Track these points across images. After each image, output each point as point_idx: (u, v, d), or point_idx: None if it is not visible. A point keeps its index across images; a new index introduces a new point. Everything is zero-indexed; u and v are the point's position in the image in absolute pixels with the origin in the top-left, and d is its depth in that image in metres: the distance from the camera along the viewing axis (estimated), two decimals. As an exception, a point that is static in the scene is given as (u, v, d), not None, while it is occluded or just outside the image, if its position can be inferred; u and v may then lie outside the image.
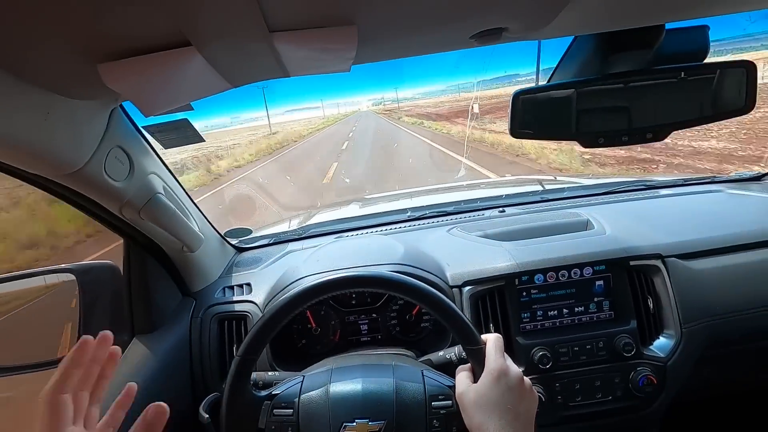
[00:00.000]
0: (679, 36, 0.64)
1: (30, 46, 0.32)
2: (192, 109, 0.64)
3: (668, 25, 0.63)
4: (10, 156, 0.49)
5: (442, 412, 0.71)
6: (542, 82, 0.71)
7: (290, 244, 1.31)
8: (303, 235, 1.37)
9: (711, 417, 1.25)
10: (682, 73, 0.61)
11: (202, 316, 1.02)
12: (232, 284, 1.10)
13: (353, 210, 1.80)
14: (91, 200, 0.68)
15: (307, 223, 1.59)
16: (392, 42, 0.46)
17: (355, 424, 0.70)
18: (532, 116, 0.68)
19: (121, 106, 0.65)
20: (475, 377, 0.71)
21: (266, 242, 1.35)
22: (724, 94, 0.62)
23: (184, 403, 0.95)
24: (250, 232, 1.36)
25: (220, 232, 1.20)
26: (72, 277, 1.00)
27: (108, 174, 0.63)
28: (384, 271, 0.77)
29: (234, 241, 1.31)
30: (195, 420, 0.90)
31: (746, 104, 0.62)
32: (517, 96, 0.67)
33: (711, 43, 0.65)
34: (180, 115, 0.67)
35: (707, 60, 0.64)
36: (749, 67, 0.61)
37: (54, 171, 0.56)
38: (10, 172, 0.54)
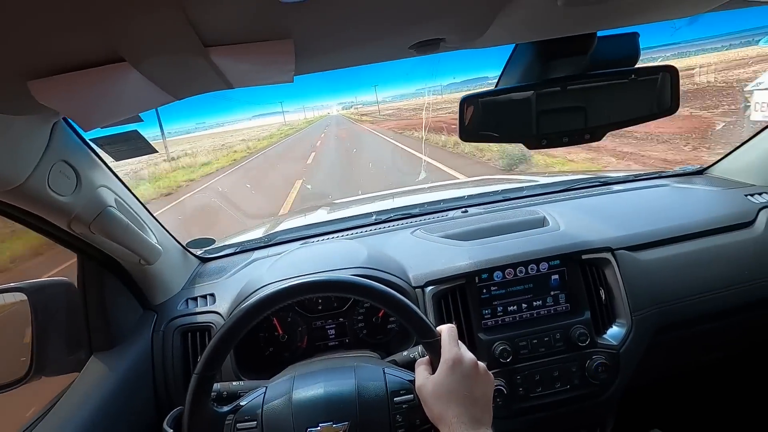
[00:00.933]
0: (611, 42, 0.68)
1: None
2: (141, 120, 0.64)
3: (601, 33, 0.67)
4: None
5: (404, 406, 0.73)
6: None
7: (255, 252, 1.30)
8: (269, 243, 1.36)
9: (663, 398, 1.32)
10: (616, 77, 0.65)
11: (164, 330, 1.00)
12: (195, 295, 1.08)
13: (321, 215, 1.80)
14: (37, 216, 0.66)
15: (274, 230, 1.57)
16: (331, 54, 0.47)
17: (319, 428, 0.71)
18: (478, 121, 0.71)
19: (65, 119, 0.64)
20: (433, 369, 0.73)
21: (231, 251, 1.33)
22: (653, 96, 0.67)
23: (148, 417, 0.93)
24: (213, 241, 1.34)
25: (181, 243, 1.18)
26: (23, 296, 0.96)
27: (52, 189, 0.61)
28: (340, 274, 0.78)
29: (198, 252, 1.29)
30: None
31: (671, 105, 0.66)
32: (464, 101, 0.70)
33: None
34: (129, 127, 0.66)
35: (637, 65, 0.69)
36: (672, 71, 0.66)
37: None
38: None
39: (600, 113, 0.67)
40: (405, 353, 0.87)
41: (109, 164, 0.78)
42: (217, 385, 0.79)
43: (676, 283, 1.06)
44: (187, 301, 1.07)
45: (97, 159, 0.74)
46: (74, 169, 0.66)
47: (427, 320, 0.74)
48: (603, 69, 0.69)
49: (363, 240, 1.23)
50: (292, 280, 0.74)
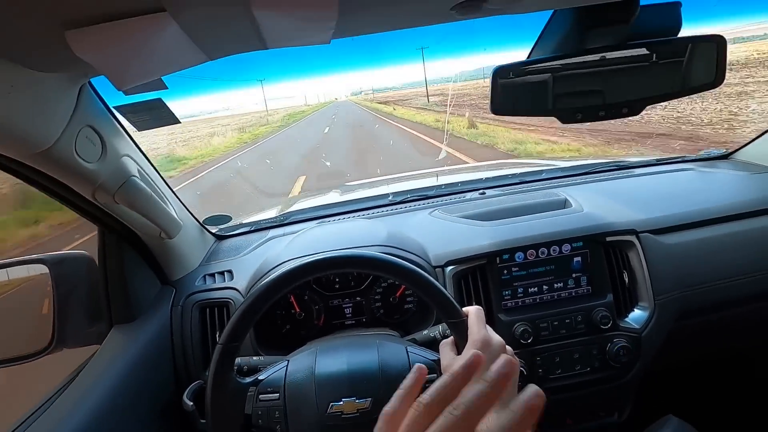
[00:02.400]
0: (653, 12, 0.65)
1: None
2: (166, 87, 0.62)
3: (642, 1, 0.64)
4: None
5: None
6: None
7: (271, 230, 1.30)
8: (284, 222, 1.35)
9: (680, 384, 1.31)
10: (656, 48, 0.63)
11: (182, 305, 1.00)
12: (213, 272, 1.08)
13: (334, 197, 1.79)
14: (62, 185, 0.65)
15: (288, 210, 1.57)
16: (372, 13, 0.45)
17: (342, 402, 0.71)
18: (511, 93, 0.68)
19: (91, 84, 0.62)
20: (459, 350, 0.72)
21: (246, 230, 1.33)
22: (696, 69, 0.64)
23: (167, 391, 0.94)
24: (230, 218, 1.34)
25: (198, 219, 1.17)
26: (45, 268, 0.97)
27: (79, 154, 0.60)
28: (365, 251, 0.77)
29: (213, 229, 1.29)
30: (179, 408, 0.89)
31: (716, 79, 0.64)
32: (497, 72, 0.67)
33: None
34: (153, 95, 0.64)
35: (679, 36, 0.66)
36: (720, 42, 0.63)
37: (21, 151, 0.53)
38: None
39: (639, 86, 0.65)
40: (425, 332, 0.86)
41: (132, 135, 0.76)
42: (237, 359, 0.79)
43: (699, 267, 1.04)
44: (204, 277, 1.07)
45: (121, 128, 0.73)
46: (100, 136, 0.65)
47: (454, 300, 0.73)
48: (642, 40, 0.66)
49: (381, 219, 1.22)
50: (317, 255, 0.73)
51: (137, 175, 0.75)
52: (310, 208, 1.52)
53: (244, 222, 1.41)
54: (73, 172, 0.62)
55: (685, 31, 0.67)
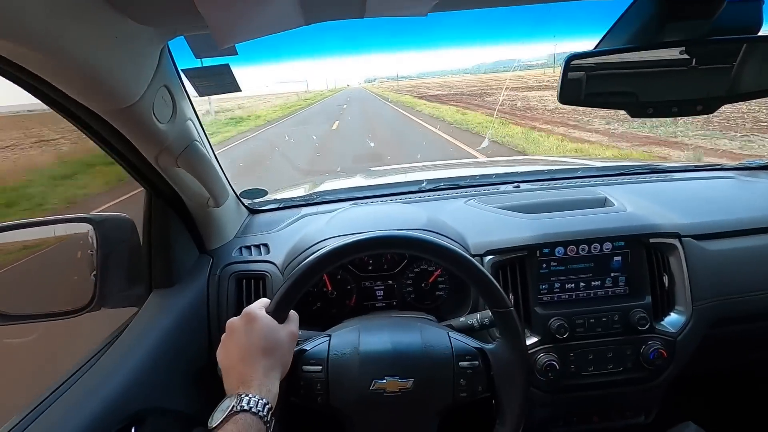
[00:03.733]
0: (737, 8, 0.63)
1: None
2: (236, 53, 0.62)
3: (728, -3, 0.62)
4: (70, 81, 0.46)
5: (468, 371, 0.73)
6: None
7: (304, 208, 1.30)
8: (316, 201, 1.35)
9: (707, 392, 1.30)
10: (739, 46, 0.61)
11: (220, 274, 1.01)
12: (249, 244, 1.09)
13: (360, 181, 1.79)
14: (128, 145, 0.66)
15: (317, 189, 1.57)
16: None
17: (385, 381, 0.71)
18: (581, 83, 0.67)
19: (167, 46, 0.62)
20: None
21: (278, 206, 1.34)
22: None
23: (202, 357, 0.95)
24: (266, 193, 1.35)
25: (236, 191, 1.18)
26: (87, 227, 0.98)
27: (155, 114, 0.61)
28: (415, 233, 0.77)
29: (247, 202, 1.29)
30: (212, 374, 0.91)
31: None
32: (569, 61, 0.66)
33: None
34: (221, 60, 0.64)
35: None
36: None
37: (108, 104, 0.53)
38: (59, 105, 0.51)
39: (716, 83, 0.63)
40: (462, 319, 0.87)
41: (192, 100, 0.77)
42: None
43: (739, 276, 1.03)
44: (241, 249, 1.08)
45: (185, 92, 0.73)
46: (172, 98, 0.65)
47: (502, 290, 0.73)
48: (722, 35, 0.64)
49: (418, 204, 1.21)
50: (368, 233, 0.73)
51: (198, 140, 0.76)
52: (340, 189, 1.52)
53: (273, 198, 1.41)
54: (146, 131, 0.63)
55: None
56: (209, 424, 0.57)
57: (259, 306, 0.70)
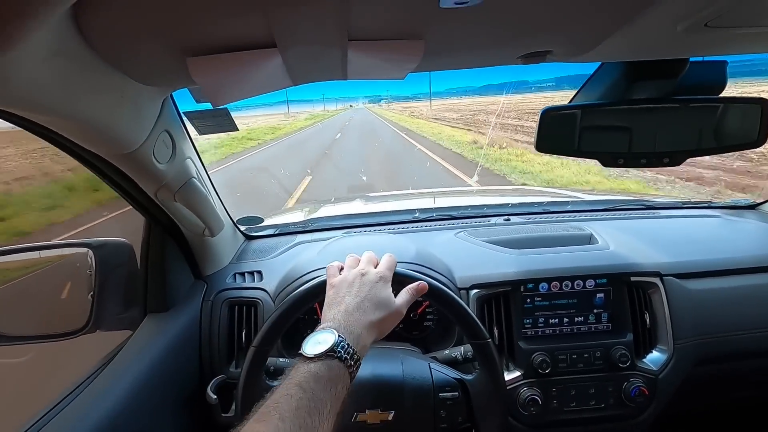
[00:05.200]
0: (701, 69, 0.68)
1: (132, 43, 0.35)
2: (234, 99, 0.66)
3: (692, 58, 0.67)
4: (79, 132, 0.51)
5: (448, 402, 0.75)
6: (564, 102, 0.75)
7: (298, 236, 1.33)
8: (310, 228, 1.39)
9: (694, 428, 1.30)
10: (701, 105, 0.65)
11: (213, 300, 1.04)
12: (243, 271, 1.12)
13: (358, 206, 1.83)
14: (130, 181, 0.70)
15: (313, 216, 1.61)
16: (447, 56, 0.49)
17: (366, 413, 0.73)
18: (557, 134, 0.71)
19: (170, 94, 0.67)
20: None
21: (273, 232, 1.37)
22: (740, 127, 0.66)
23: (191, 382, 0.97)
24: (262, 220, 1.38)
25: (233, 218, 1.22)
26: (85, 251, 1.01)
27: (155, 156, 0.65)
28: (400, 268, 0.80)
29: (242, 228, 1.33)
30: (201, 400, 0.93)
31: (759, 138, 0.66)
32: (545, 113, 0.70)
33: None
34: (221, 104, 0.69)
35: (725, 94, 0.69)
36: (765, 105, 0.65)
37: (112, 150, 0.58)
38: (67, 149, 0.56)
39: (681, 138, 0.67)
40: (446, 352, 0.89)
41: (192, 139, 0.81)
42: None
43: (721, 316, 1.05)
44: (235, 275, 1.11)
45: (186, 132, 0.78)
46: (172, 140, 0.70)
47: (479, 322, 0.76)
48: (687, 95, 0.69)
49: (408, 236, 1.25)
50: None
51: (196, 176, 0.80)
52: (335, 216, 1.56)
53: (269, 224, 1.45)
54: (147, 171, 0.67)
55: (729, 89, 0.70)
56: (302, 348, 0.56)
57: (375, 271, 0.72)
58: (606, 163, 0.70)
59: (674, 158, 0.67)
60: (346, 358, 0.55)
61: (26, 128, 0.49)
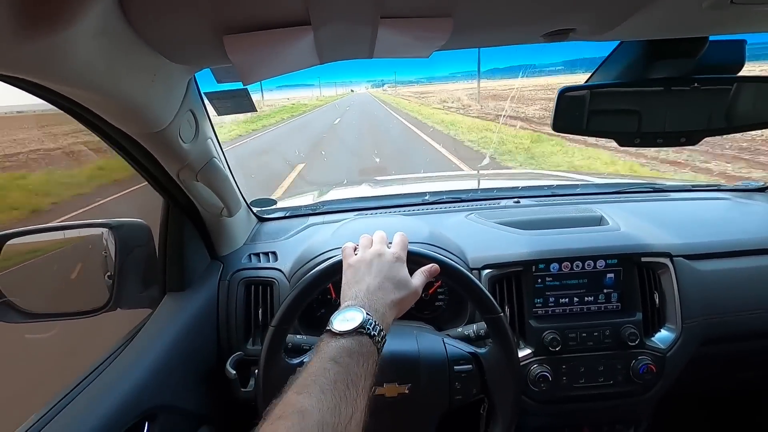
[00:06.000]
0: (719, 48, 0.67)
1: (170, 21, 0.36)
2: (254, 80, 0.67)
3: (711, 37, 0.67)
4: (113, 110, 0.52)
5: (463, 375, 0.78)
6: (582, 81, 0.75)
7: (310, 218, 1.35)
8: (322, 210, 1.40)
9: (699, 409, 1.33)
10: (721, 83, 0.65)
11: (229, 280, 1.06)
12: (258, 252, 1.14)
13: (366, 190, 1.84)
14: (154, 161, 0.71)
15: (323, 198, 1.62)
16: (472, 34, 0.49)
17: (384, 386, 0.76)
18: (574, 113, 0.72)
19: (193, 75, 0.68)
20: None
21: (286, 214, 1.39)
22: (758, 107, 0.66)
23: (210, 359, 1.00)
24: (275, 202, 1.40)
25: (247, 200, 1.23)
26: (101, 232, 1.04)
27: (181, 136, 0.66)
28: (413, 247, 0.82)
29: (255, 210, 1.35)
30: (220, 376, 0.96)
31: (776, 117, 0.66)
32: (562, 93, 0.71)
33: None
34: (240, 84, 0.70)
35: (742, 73, 0.69)
36: (784, 83, 0.65)
37: (141, 129, 0.59)
38: (97, 128, 0.57)
39: (699, 117, 0.68)
40: (459, 329, 0.91)
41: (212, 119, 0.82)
42: None
43: (729, 296, 1.06)
44: (250, 256, 1.13)
45: (206, 112, 0.78)
46: (196, 120, 0.71)
47: (491, 297, 0.78)
48: (706, 74, 0.69)
49: (420, 217, 1.26)
50: None
51: (216, 156, 0.81)
52: (346, 199, 1.57)
53: (280, 206, 1.47)
54: (172, 151, 0.69)
55: (754, 70, 0.70)
56: (331, 325, 0.57)
57: (391, 251, 0.73)
58: (622, 143, 0.71)
59: (691, 138, 0.68)
60: (374, 335, 0.57)
61: (63, 108, 0.50)
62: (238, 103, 0.74)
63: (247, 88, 0.71)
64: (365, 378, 0.52)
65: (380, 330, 0.59)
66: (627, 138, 0.70)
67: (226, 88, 0.70)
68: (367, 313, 0.59)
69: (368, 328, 0.57)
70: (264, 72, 0.47)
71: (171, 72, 0.53)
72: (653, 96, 0.69)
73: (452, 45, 0.52)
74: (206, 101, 0.76)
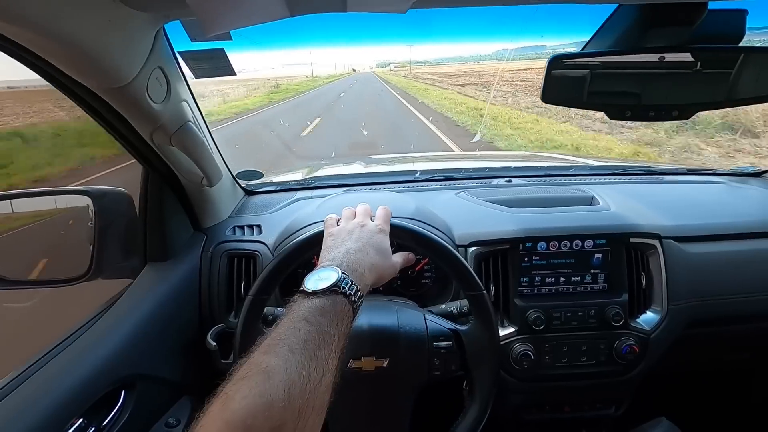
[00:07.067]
0: (719, 16, 0.64)
1: None
2: (230, 38, 0.64)
3: (710, 5, 0.64)
4: (66, 60, 0.49)
5: (442, 351, 0.77)
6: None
7: (298, 192, 1.33)
8: (311, 186, 1.38)
9: (679, 389, 1.34)
10: (718, 54, 0.63)
11: (212, 251, 1.04)
12: (243, 224, 1.12)
13: (357, 168, 1.81)
14: (124, 122, 0.69)
15: (313, 174, 1.60)
16: None
17: (362, 360, 0.75)
18: (564, 84, 0.69)
19: (163, 29, 0.65)
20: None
21: (273, 188, 1.37)
22: (757, 79, 0.64)
23: (191, 330, 0.99)
24: (261, 175, 1.37)
25: (232, 172, 1.21)
26: (87, 199, 1.01)
27: (149, 94, 0.63)
28: (395, 220, 0.80)
29: (243, 184, 1.32)
30: (200, 347, 0.95)
31: (774, 91, 0.64)
32: (552, 61, 0.68)
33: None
34: (217, 44, 0.67)
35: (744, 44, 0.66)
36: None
37: (102, 83, 0.56)
38: (59, 83, 0.54)
39: (694, 90, 0.65)
40: (442, 306, 0.90)
41: (189, 82, 0.79)
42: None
43: (717, 280, 1.06)
44: (234, 228, 1.11)
45: (181, 74, 0.75)
46: (167, 79, 0.68)
47: (475, 274, 0.76)
48: (703, 44, 0.66)
49: (409, 194, 1.24)
50: None
51: (192, 120, 0.79)
52: (336, 175, 1.55)
53: (269, 181, 1.44)
54: (140, 110, 0.66)
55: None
56: (304, 285, 0.55)
57: (374, 223, 0.73)
58: (613, 116, 0.68)
59: (684, 111, 0.65)
60: (350, 294, 0.55)
61: (16, 57, 0.47)
62: (216, 65, 0.71)
63: (224, 49, 0.68)
64: (338, 338, 0.50)
65: (357, 290, 0.56)
66: (618, 111, 0.68)
67: (202, 48, 0.67)
68: (342, 272, 0.57)
69: (343, 287, 0.55)
70: (228, 21, 0.44)
71: (129, 19, 0.50)
72: (647, 67, 0.66)
73: (432, 2, 0.49)
74: (181, 61, 0.73)
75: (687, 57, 0.65)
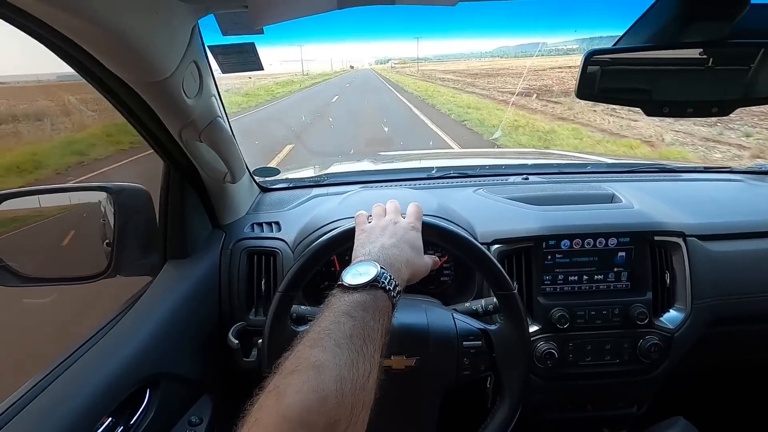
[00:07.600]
0: (761, 11, 0.63)
1: None
2: (263, 33, 0.63)
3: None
4: (110, 52, 0.48)
5: (472, 351, 0.76)
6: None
7: (314, 189, 1.32)
8: (326, 182, 1.37)
9: (699, 388, 1.33)
10: (761, 50, 0.61)
11: (232, 248, 1.04)
12: (261, 221, 1.11)
13: (369, 165, 1.80)
14: (153, 117, 0.67)
15: (326, 171, 1.59)
16: None
17: (391, 359, 0.74)
18: (600, 79, 0.68)
19: (197, 23, 0.64)
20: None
21: (289, 185, 1.36)
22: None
23: (212, 328, 0.99)
24: (278, 171, 1.36)
25: (250, 169, 1.20)
26: (103, 196, 1.01)
27: (184, 89, 0.62)
28: (426, 218, 0.79)
29: (258, 180, 1.31)
30: (220, 344, 0.94)
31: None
32: (589, 56, 0.66)
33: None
34: (247, 38, 0.65)
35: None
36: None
37: (141, 76, 0.55)
38: (94, 76, 0.53)
39: (735, 86, 0.64)
40: (467, 304, 0.89)
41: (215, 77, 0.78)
42: None
43: (740, 278, 1.05)
44: (252, 225, 1.10)
45: (210, 68, 0.74)
46: (200, 74, 0.67)
47: (505, 274, 0.75)
48: (743, 38, 0.65)
49: (428, 191, 1.23)
50: None
51: (221, 116, 0.77)
52: (350, 172, 1.54)
53: (283, 177, 1.43)
54: (174, 106, 0.65)
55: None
56: (342, 279, 0.54)
57: (407, 220, 0.71)
58: (650, 112, 0.67)
59: (723, 107, 0.64)
60: (389, 289, 0.54)
61: (56, 49, 0.46)
62: (245, 59, 0.69)
63: (254, 43, 0.66)
64: (381, 333, 0.50)
65: (395, 285, 0.55)
66: (655, 107, 0.66)
67: (232, 42, 0.66)
68: (381, 267, 0.56)
69: (383, 282, 0.54)
70: (277, 14, 0.43)
71: (173, 10, 0.49)
72: (685, 62, 0.65)
73: None
74: (210, 56, 0.71)
75: (727, 51, 0.64)
